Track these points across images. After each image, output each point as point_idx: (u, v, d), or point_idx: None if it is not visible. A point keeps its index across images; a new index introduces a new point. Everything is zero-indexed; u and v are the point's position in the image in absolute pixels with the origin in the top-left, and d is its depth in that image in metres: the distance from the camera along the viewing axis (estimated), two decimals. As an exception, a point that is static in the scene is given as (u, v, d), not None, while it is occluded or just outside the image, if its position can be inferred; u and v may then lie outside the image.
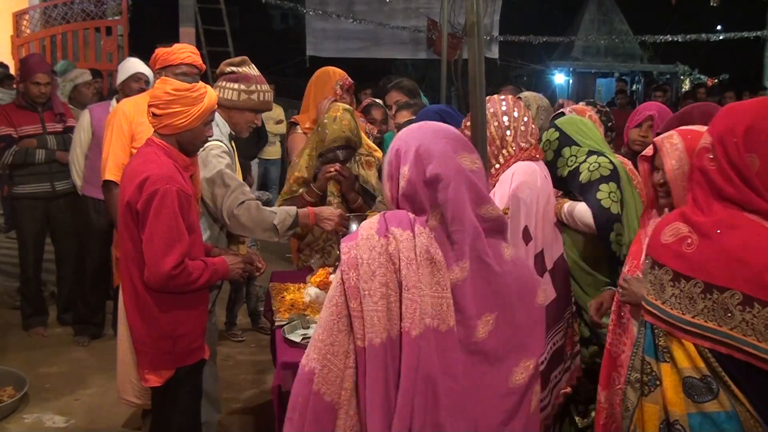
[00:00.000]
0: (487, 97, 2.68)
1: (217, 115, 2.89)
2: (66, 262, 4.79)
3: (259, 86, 2.94)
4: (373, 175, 3.48)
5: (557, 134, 2.83)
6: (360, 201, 3.38)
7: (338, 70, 3.84)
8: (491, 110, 2.65)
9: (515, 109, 2.69)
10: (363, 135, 3.57)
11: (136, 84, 4.24)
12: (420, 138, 1.64)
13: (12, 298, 5.24)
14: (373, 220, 1.62)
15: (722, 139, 1.60)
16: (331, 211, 3.00)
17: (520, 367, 1.63)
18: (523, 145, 2.67)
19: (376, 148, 3.68)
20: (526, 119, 2.69)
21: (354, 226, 3.12)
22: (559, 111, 3.39)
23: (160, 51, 3.23)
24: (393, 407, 1.52)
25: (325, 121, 3.32)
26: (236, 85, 2.91)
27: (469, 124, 2.70)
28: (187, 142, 2.46)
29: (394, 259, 1.55)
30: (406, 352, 1.51)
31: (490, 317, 1.60)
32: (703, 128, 2.02)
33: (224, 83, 2.93)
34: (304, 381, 1.56)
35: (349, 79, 3.80)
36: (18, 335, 4.68)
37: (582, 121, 2.89)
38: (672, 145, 2.08)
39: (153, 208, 2.29)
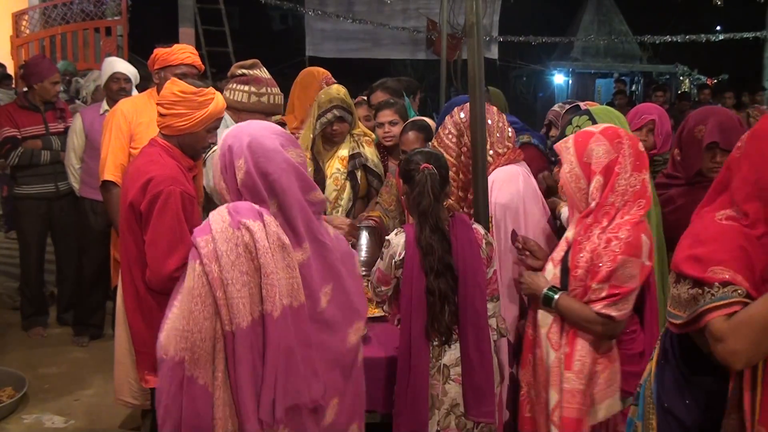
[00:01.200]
0: (461, 106, 2.67)
1: (228, 118, 2.89)
2: (67, 262, 4.78)
3: (269, 89, 2.95)
4: (374, 152, 3.54)
5: (590, 123, 2.64)
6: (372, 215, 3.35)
7: (322, 70, 3.84)
8: (465, 121, 2.62)
9: (488, 117, 2.66)
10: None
11: (115, 84, 4.26)
12: (251, 134, 1.80)
13: (12, 298, 5.25)
14: (221, 213, 1.75)
15: (753, 134, 1.59)
16: (342, 220, 3.00)
17: (353, 329, 1.89)
18: (500, 150, 2.66)
19: (369, 131, 3.71)
20: (501, 124, 2.69)
21: (364, 237, 3.09)
22: (574, 105, 3.37)
23: (160, 51, 3.22)
24: (259, 380, 1.69)
25: (321, 92, 3.44)
26: (247, 88, 2.91)
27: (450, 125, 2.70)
28: (188, 146, 2.45)
29: (251, 249, 1.70)
30: (270, 332, 1.69)
31: (328, 288, 1.83)
32: (599, 127, 2.20)
33: (235, 85, 2.93)
34: (175, 368, 1.69)
35: (333, 78, 3.79)
36: (18, 335, 4.68)
37: (617, 116, 2.71)
38: (566, 149, 2.21)
39: (156, 210, 2.28)
